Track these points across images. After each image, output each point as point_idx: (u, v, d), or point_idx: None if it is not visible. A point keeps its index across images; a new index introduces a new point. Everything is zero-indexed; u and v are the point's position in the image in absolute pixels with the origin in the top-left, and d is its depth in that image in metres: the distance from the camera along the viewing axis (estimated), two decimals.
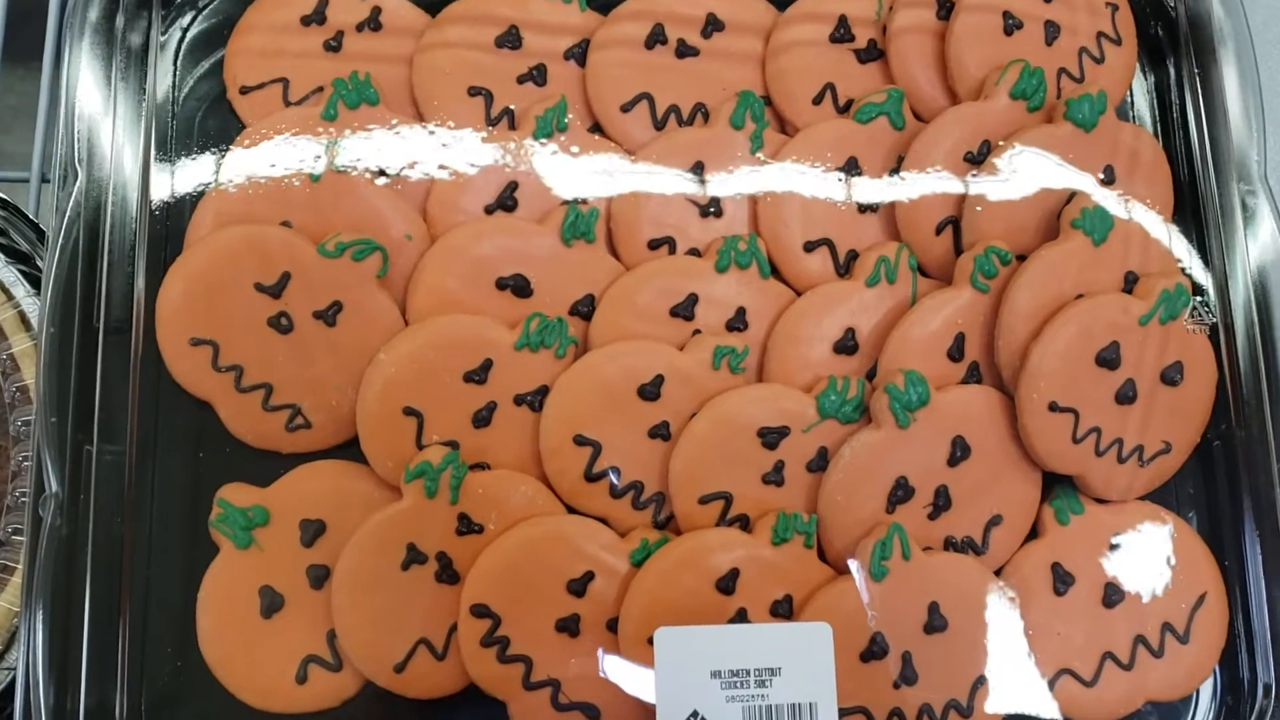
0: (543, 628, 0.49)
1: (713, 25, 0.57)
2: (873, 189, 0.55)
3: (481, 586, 0.49)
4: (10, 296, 0.58)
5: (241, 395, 0.51)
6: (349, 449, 0.51)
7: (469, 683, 0.49)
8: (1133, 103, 0.60)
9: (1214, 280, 0.56)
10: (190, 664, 0.49)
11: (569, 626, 0.49)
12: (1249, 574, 0.53)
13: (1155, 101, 0.60)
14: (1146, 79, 0.61)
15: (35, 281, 0.57)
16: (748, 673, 0.46)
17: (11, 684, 0.50)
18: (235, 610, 0.50)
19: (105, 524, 0.49)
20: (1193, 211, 0.57)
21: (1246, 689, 0.52)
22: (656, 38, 0.56)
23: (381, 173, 0.53)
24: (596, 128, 0.56)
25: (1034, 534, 0.53)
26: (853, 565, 0.50)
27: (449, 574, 0.49)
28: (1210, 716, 0.52)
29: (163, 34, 0.55)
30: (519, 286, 0.52)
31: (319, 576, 0.50)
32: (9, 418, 0.57)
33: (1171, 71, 0.60)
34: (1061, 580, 0.52)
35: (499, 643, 0.48)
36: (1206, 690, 0.53)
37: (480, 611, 0.48)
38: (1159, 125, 0.60)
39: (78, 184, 0.50)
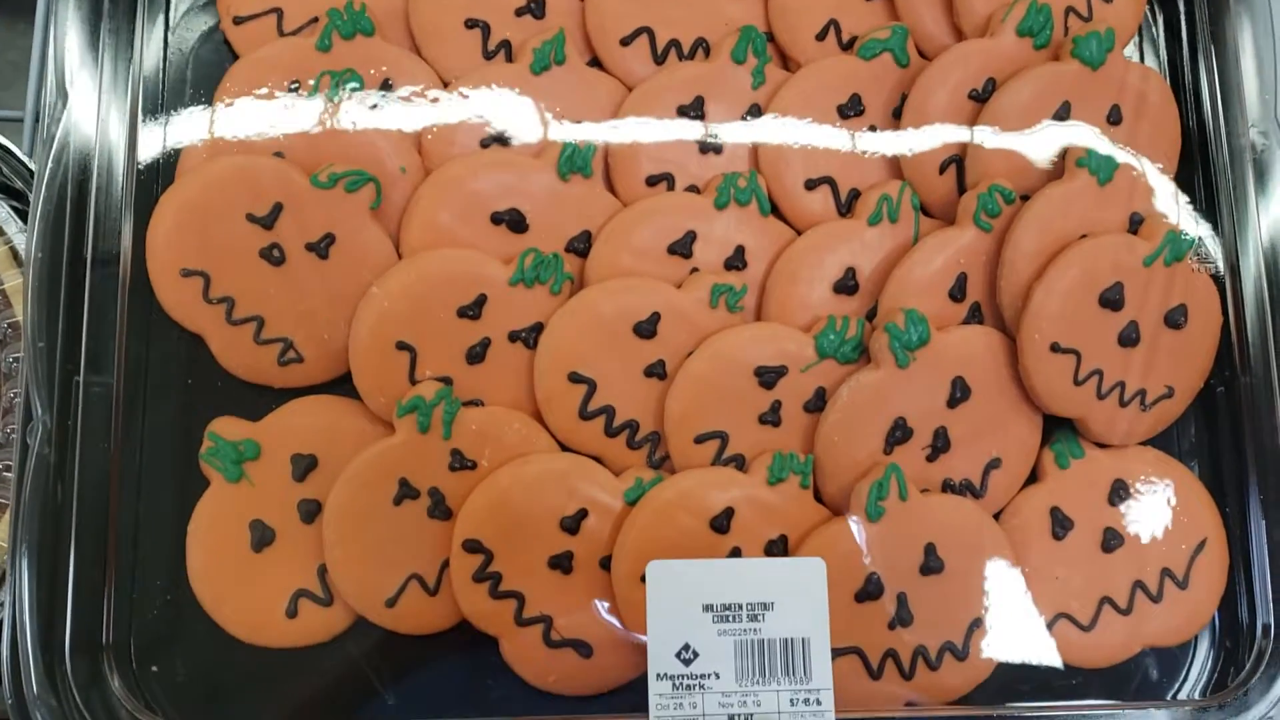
0: (535, 564, 0.48)
1: None
2: (876, 127, 0.54)
3: (474, 522, 0.48)
4: (2, 232, 0.58)
5: (233, 328, 0.50)
6: (342, 384, 0.51)
7: (461, 619, 0.49)
8: (1142, 42, 0.59)
9: (1221, 223, 0.55)
10: (180, 598, 0.49)
11: (561, 564, 0.48)
12: (1250, 520, 0.52)
13: (1165, 41, 0.59)
14: (1157, 18, 0.59)
15: (27, 218, 0.57)
16: (740, 607, 0.46)
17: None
18: (225, 544, 0.49)
19: (93, 455, 0.48)
20: (1201, 153, 0.56)
21: (1245, 631, 0.51)
22: None
23: (376, 105, 0.52)
24: (595, 62, 0.55)
25: (1033, 478, 0.53)
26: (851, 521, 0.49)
27: (441, 510, 0.49)
28: (1209, 661, 0.52)
29: None
30: (514, 221, 0.51)
31: (310, 511, 0.49)
32: (1, 354, 0.56)
33: (1182, 10, 0.58)
34: (1060, 524, 0.52)
35: (491, 579, 0.48)
36: (1205, 635, 0.52)
37: (472, 547, 0.48)
38: (1169, 66, 0.59)
39: (65, 111, 0.50)
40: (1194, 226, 0.53)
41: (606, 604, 0.48)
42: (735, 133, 0.54)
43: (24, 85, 0.62)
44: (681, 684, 0.45)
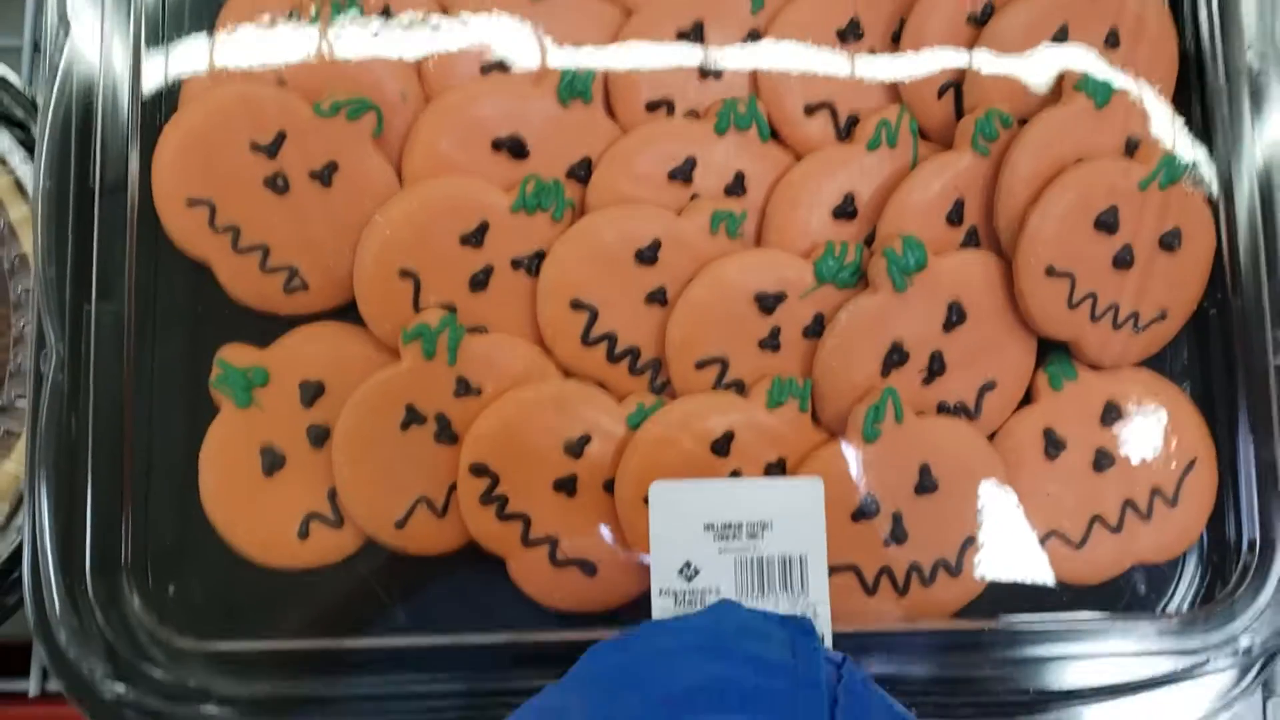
0: (540, 487, 0.50)
1: None
2: (874, 51, 0.55)
3: (480, 446, 0.49)
4: (5, 163, 0.58)
5: (239, 256, 0.51)
6: (347, 312, 0.52)
7: (469, 540, 0.50)
8: None
9: (1217, 148, 0.55)
10: (193, 521, 0.50)
11: (566, 486, 0.50)
12: (1239, 439, 0.53)
13: None
14: None
15: (31, 149, 0.57)
16: (740, 525, 0.47)
17: (21, 547, 0.51)
18: (237, 468, 0.50)
19: (106, 381, 0.49)
20: (1199, 78, 0.56)
21: (1232, 547, 0.53)
22: None
23: (377, 33, 0.52)
24: None
25: (1028, 400, 0.54)
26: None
27: (448, 434, 0.50)
28: (1196, 577, 0.53)
29: None
30: (515, 147, 0.52)
31: (319, 435, 0.50)
32: (9, 285, 0.57)
33: None
34: (1053, 445, 0.53)
35: (497, 500, 0.49)
36: (1194, 551, 0.54)
37: (479, 470, 0.49)
38: None
39: (69, 40, 0.50)
40: (1189, 150, 0.53)
41: (610, 524, 0.50)
42: (735, 58, 0.54)
43: (16, 14, 0.62)
44: (683, 599, 0.47)
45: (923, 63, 0.54)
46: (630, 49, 0.53)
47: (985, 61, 0.53)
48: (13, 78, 0.59)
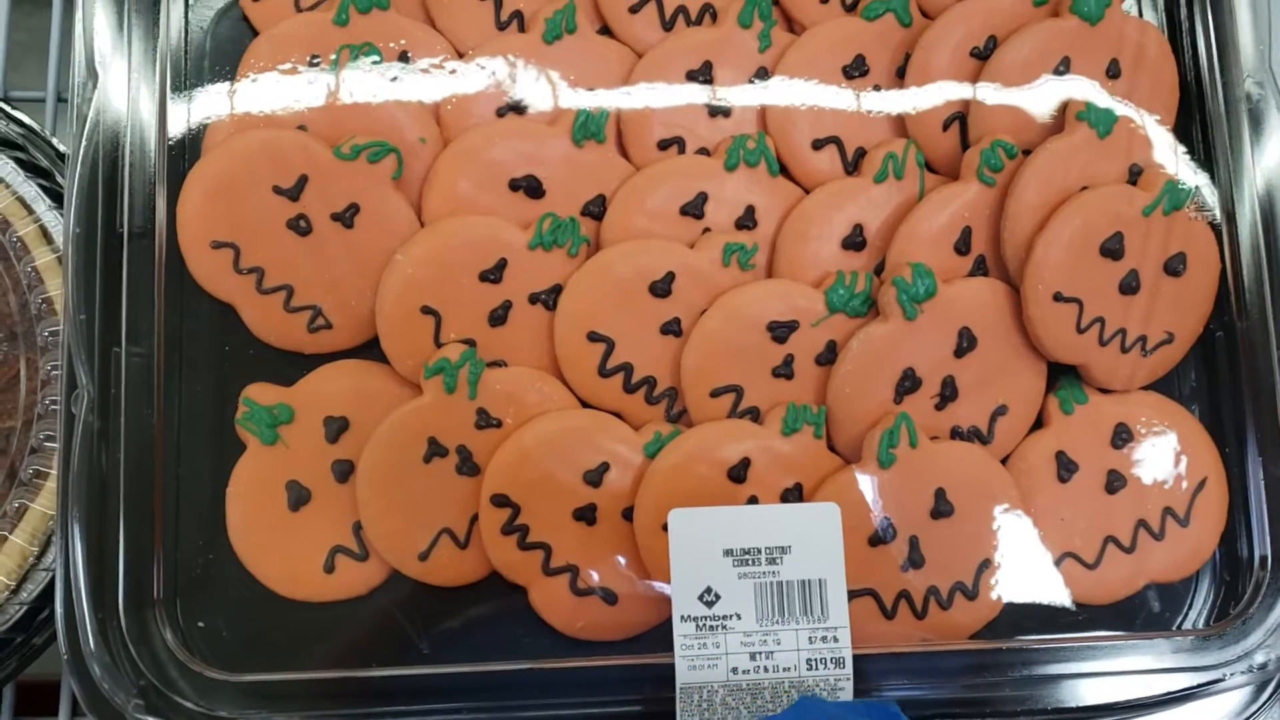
0: (561, 517, 0.50)
1: None
2: (880, 88, 0.56)
3: (501, 478, 0.50)
4: (31, 211, 0.59)
5: (263, 297, 0.52)
6: (370, 349, 0.53)
7: (491, 570, 0.51)
8: None
9: (1218, 172, 0.56)
10: (221, 557, 0.51)
11: (586, 515, 0.50)
12: (1248, 458, 0.54)
13: None
14: None
15: (55, 196, 0.58)
16: (759, 550, 0.48)
17: (51, 584, 0.52)
18: (264, 504, 0.51)
19: (135, 422, 0.50)
20: (1199, 104, 0.57)
21: (1244, 564, 0.53)
22: None
23: (396, 78, 0.54)
24: (606, 30, 0.57)
25: (1039, 423, 0.54)
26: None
27: (469, 466, 0.51)
28: (1209, 594, 0.54)
29: None
30: (531, 187, 0.53)
31: (344, 471, 0.51)
32: (36, 329, 0.58)
33: None
34: (1065, 468, 0.53)
35: (519, 530, 0.50)
36: (1206, 570, 0.54)
37: (500, 501, 0.50)
38: (1166, 18, 0.60)
39: (98, 90, 0.51)
40: (1192, 176, 0.54)
41: (629, 552, 0.50)
42: (743, 95, 0.55)
43: (33, 65, 0.64)
44: (705, 625, 0.47)
45: (927, 96, 0.55)
46: (641, 89, 0.55)
47: (989, 94, 0.54)
48: (38, 128, 0.60)
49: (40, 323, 0.58)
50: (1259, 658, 0.50)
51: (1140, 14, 0.60)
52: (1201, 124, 0.57)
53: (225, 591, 0.51)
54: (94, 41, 0.52)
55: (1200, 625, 0.53)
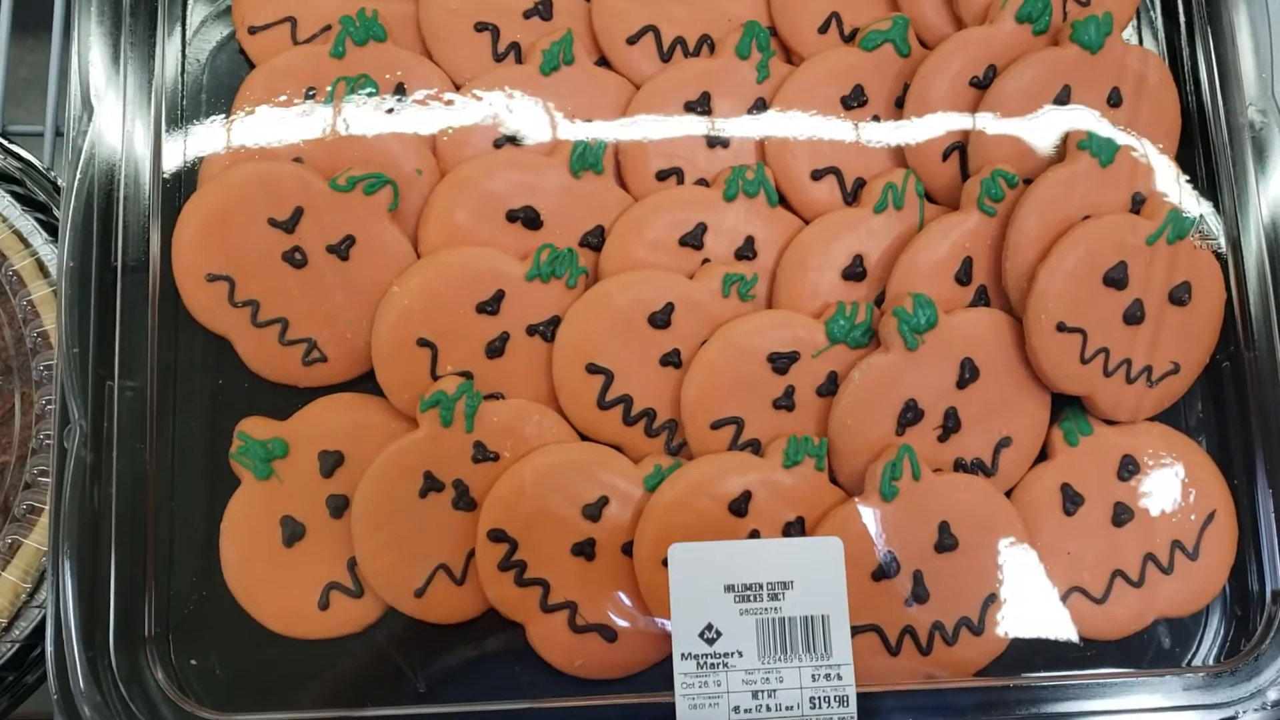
0: (559, 552, 0.50)
1: None
2: (879, 118, 0.56)
3: (498, 512, 0.50)
4: (28, 244, 0.59)
5: (258, 330, 0.52)
6: (365, 382, 0.52)
7: (488, 607, 0.50)
8: (1140, 24, 0.60)
9: (1222, 200, 0.56)
10: (215, 593, 0.50)
11: (585, 550, 0.50)
12: (1257, 490, 0.53)
13: (1163, 23, 0.60)
14: (1154, 0, 0.60)
15: (52, 230, 0.58)
16: (760, 586, 0.47)
17: (43, 622, 0.51)
18: (258, 540, 0.51)
19: (128, 457, 0.49)
20: (1201, 132, 0.57)
21: (1255, 599, 0.52)
22: None
23: (392, 109, 0.54)
24: (603, 61, 0.56)
25: (1044, 455, 0.54)
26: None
27: (466, 501, 0.50)
28: (1220, 630, 0.53)
29: None
30: (529, 218, 0.53)
31: (339, 506, 0.51)
32: (31, 363, 0.58)
33: None
34: (1071, 500, 0.53)
35: (516, 566, 0.49)
36: (1217, 604, 0.53)
37: (497, 536, 0.49)
38: (1167, 47, 0.59)
39: (91, 124, 0.51)
40: (1195, 205, 0.54)
41: (629, 588, 0.50)
42: (742, 126, 0.55)
43: (37, 100, 0.64)
44: (706, 663, 0.47)
45: (927, 126, 0.55)
46: (639, 120, 0.54)
47: (989, 123, 0.54)
48: (35, 162, 0.60)
49: (36, 356, 0.58)
50: (1272, 695, 0.49)
51: (1141, 42, 0.60)
52: (1205, 152, 0.57)
53: (219, 629, 0.50)
54: (89, 75, 0.52)
55: (1211, 661, 0.52)
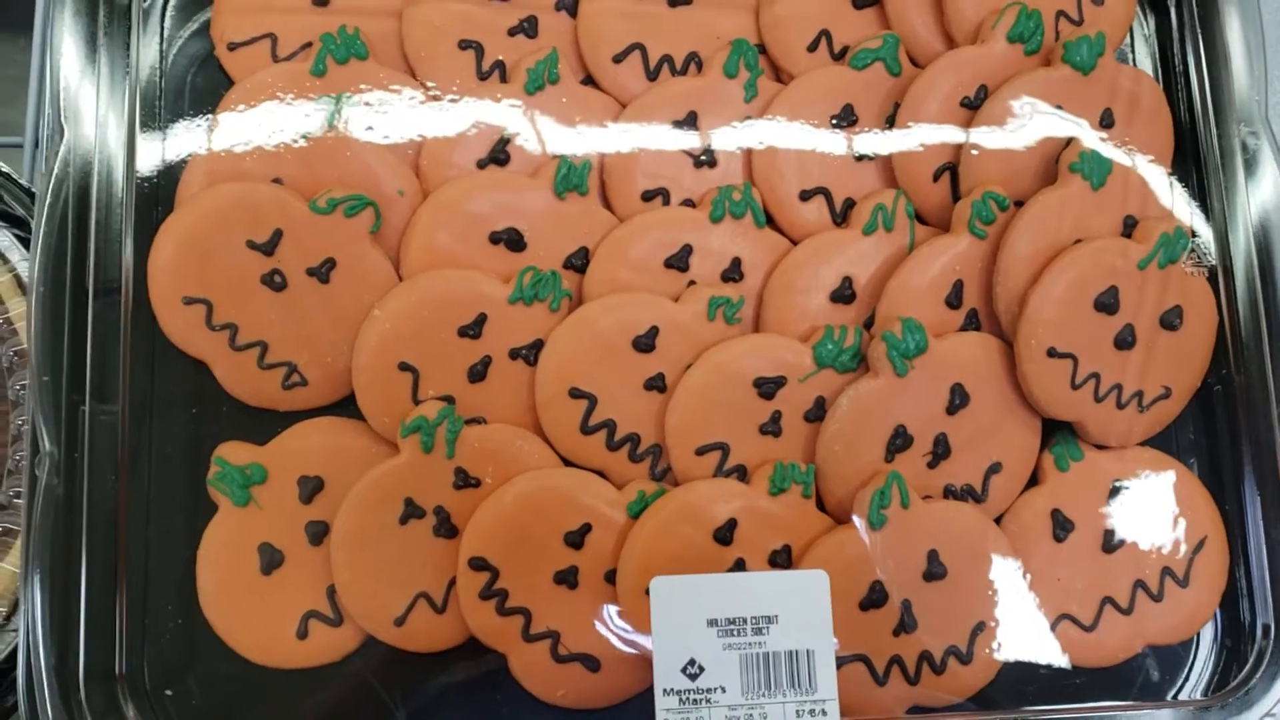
0: (541, 580, 0.49)
1: None
2: (869, 137, 0.55)
3: (479, 540, 0.49)
4: (5, 260, 0.58)
5: (236, 354, 0.51)
6: (345, 406, 0.51)
7: (469, 635, 0.49)
8: (1134, 45, 0.59)
9: (1214, 223, 0.55)
10: (192, 622, 0.50)
11: (567, 578, 0.49)
12: (1248, 518, 0.53)
13: (1156, 44, 0.59)
14: (1148, 21, 0.60)
15: (30, 245, 0.57)
16: (744, 620, 0.47)
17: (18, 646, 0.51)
18: (235, 567, 0.50)
19: (101, 483, 0.49)
20: (1193, 155, 0.56)
21: (1246, 630, 0.52)
22: None
23: (370, 126, 0.53)
24: (589, 80, 0.56)
25: (1034, 481, 0.53)
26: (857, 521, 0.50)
27: (447, 528, 0.49)
28: (1210, 659, 0.52)
29: None
30: (512, 240, 0.52)
31: (318, 533, 0.50)
32: (8, 381, 0.57)
33: (1173, 13, 0.59)
34: (1061, 526, 0.52)
35: (498, 595, 0.49)
36: (1207, 633, 0.53)
37: (479, 564, 0.49)
38: (1160, 68, 0.59)
39: (64, 144, 0.50)
40: (1188, 228, 0.53)
41: (612, 617, 0.49)
42: (729, 146, 0.54)
43: (24, 100, 0.63)
44: (688, 698, 0.46)
45: (918, 147, 0.54)
46: (625, 140, 0.54)
47: (980, 144, 0.53)
48: (13, 174, 0.59)
49: (12, 375, 0.57)
50: None
51: (1134, 62, 0.59)
52: (1198, 174, 0.56)
53: (195, 658, 0.50)
54: (63, 95, 0.51)
55: (1200, 694, 0.51)
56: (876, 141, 0.55)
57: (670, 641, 0.46)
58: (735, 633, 0.46)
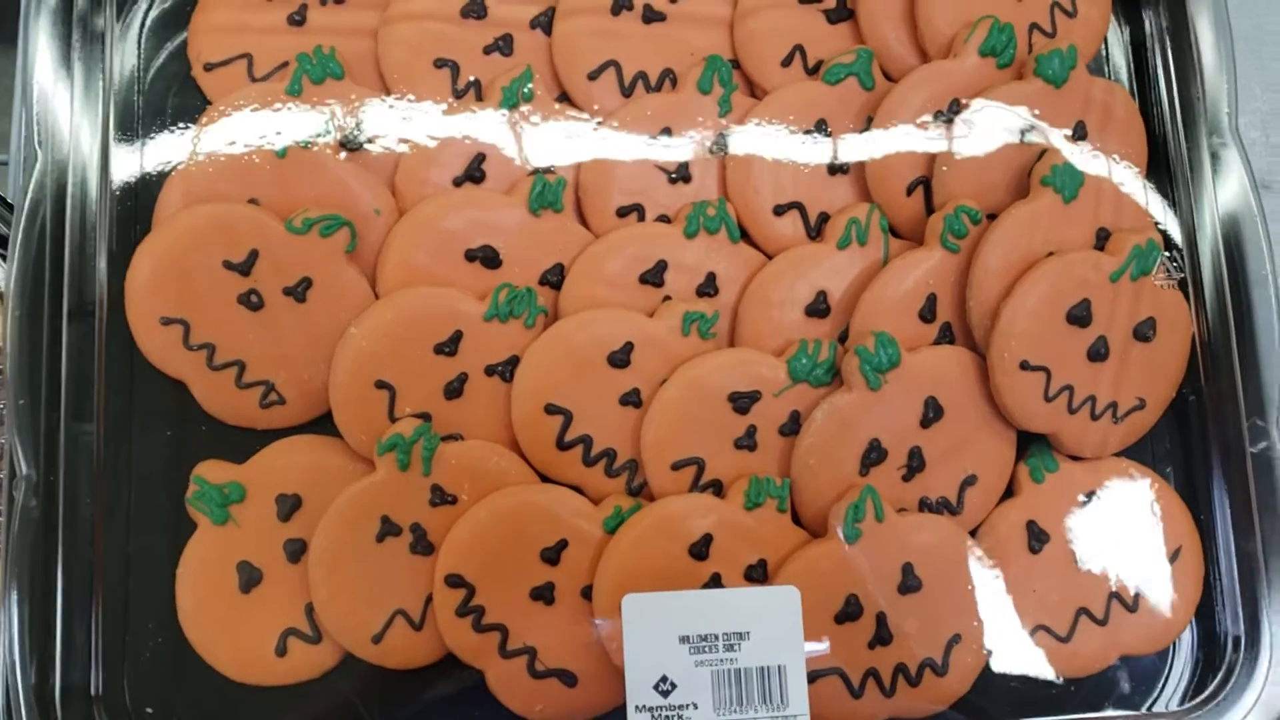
0: (518, 596, 0.49)
1: None
2: (843, 150, 0.55)
3: (456, 557, 0.49)
4: None
5: (214, 373, 0.51)
6: (323, 424, 0.52)
7: (447, 652, 0.50)
8: (1108, 56, 0.60)
9: (1184, 234, 0.55)
10: (171, 640, 0.50)
11: (544, 594, 0.49)
12: (1217, 531, 0.53)
13: (1131, 55, 0.60)
14: (1123, 32, 0.60)
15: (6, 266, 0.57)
16: (716, 637, 0.47)
17: None
18: (214, 586, 0.50)
19: (78, 504, 0.49)
20: (1165, 166, 0.57)
21: (1219, 642, 0.52)
22: (622, 4, 0.56)
23: (346, 146, 0.53)
24: (564, 97, 0.56)
25: (1009, 493, 0.53)
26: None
27: (424, 545, 0.50)
28: (1186, 670, 0.53)
29: (125, 12, 0.55)
30: (488, 258, 0.52)
31: (296, 550, 0.50)
32: None
33: (1147, 24, 0.59)
34: (1036, 538, 0.52)
35: (474, 612, 0.49)
36: (1183, 644, 0.53)
37: (455, 582, 0.49)
38: (1134, 79, 0.59)
39: (38, 165, 0.50)
40: (1160, 240, 0.53)
41: (588, 633, 0.49)
42: (704, 162, 0.54)
43: (4, 127, 0.63)
44: (660, 715, 0.46)
45: (891, 161, 0.54)
46: (600, 156, 0.54)
47: (952, 158, 0.53)
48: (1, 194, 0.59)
49: None
50: None
51: (1107, 73, 0.59)
52: (1169, 185, 0.56)
53: (175, 677, 0.50)
54: (37, 115, 0.51)
55: (1175, 706, 0.52)
56: (850, 155, 0.55)
57: (642, 658, 0.46)
58: (707, 649, 0.47)
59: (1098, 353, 0.52)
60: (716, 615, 0.47)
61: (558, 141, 0.54)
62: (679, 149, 0.54)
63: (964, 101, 0.54)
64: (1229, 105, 0.55)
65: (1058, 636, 0.52)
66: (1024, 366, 0.51)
